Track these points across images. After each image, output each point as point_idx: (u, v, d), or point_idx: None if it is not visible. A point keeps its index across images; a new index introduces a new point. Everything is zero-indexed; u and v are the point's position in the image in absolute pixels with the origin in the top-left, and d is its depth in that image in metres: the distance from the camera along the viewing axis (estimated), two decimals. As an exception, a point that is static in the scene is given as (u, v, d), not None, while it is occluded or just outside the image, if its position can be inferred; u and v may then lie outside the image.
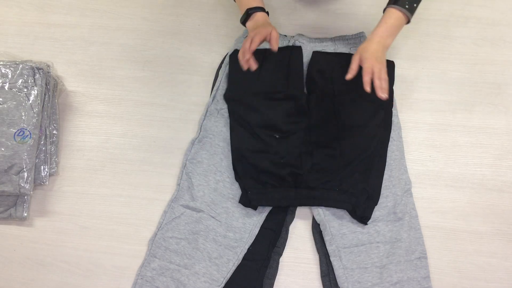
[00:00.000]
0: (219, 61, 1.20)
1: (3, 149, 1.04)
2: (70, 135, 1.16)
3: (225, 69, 1.15)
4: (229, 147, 1.08)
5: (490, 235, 1.07)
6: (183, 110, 1.17)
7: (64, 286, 1.04)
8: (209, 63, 1.21)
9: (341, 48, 1.17)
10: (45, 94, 1.10)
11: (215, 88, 1.14)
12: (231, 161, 1.07)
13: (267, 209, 1.05)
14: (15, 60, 1.12)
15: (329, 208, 1.04)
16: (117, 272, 1.05)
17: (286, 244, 1.06)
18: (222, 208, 1.05)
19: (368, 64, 0.92)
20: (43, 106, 1.10)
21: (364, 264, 1.00)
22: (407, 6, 0.95)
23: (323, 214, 1.04)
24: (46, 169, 1.09)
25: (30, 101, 1.07)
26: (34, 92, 1.08)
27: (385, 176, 1.06)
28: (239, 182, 1.05)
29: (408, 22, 0.98)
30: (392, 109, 1.11)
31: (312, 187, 1.02)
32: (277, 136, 1.05)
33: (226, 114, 1.11)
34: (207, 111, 1.12)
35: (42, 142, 1.09)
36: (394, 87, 1.14)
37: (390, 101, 1.10)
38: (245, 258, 1.02)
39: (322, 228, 1.04)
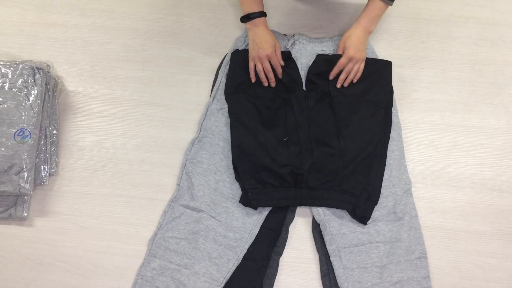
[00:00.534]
0: (219, 61, 1.20)
1: (3, 149, 1.04)
2: (70, 135, 1.16)
3: (225, 69, 1.15)
4: (229, 147, 1.08)
5: (490, 235, 1.07)
6: (183, 110, 1.17)
7: (64, 286, 1.04)
8: (209, 63, 1.21)
9: None
10: (45, 94, 1.10)
11: (215, 88, 1.14)
12: (231, 161, 1.07)
13: (267, 209, 1.04)
14: (15, 60, 1.12)
15: (329, 208, 1.04)
16: (117, 272, 1.05)
17: (286, 244, 1.06)
18: (222, 208, 1.05)
19: (346, 55, 1.07)
20: (43, 106, 1.10)
21: (364, 264, 1.00)
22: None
23: (323, 214, 1.04)
24: (46, 169, 1.09)
25: (30, 101, 1.07)
26: (34, 92, 1.08)
27: (385, 176, 1.06)
28: (239, 182, 1.05)
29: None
30: (392, 109, 1.12)
31: (312, 187, 1.02)
32: (284, 139, 1.05)
33: (226, 114, 1.11)
34: (207, 111, 1.12)
35: (42, 142, 1.09)
36: (394, 87, 1.14)
37: (389, 100, 1.10)
38: (245, 258, 1.02)
39: (322, 228, 1.04)
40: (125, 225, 1.08)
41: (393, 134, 1.10)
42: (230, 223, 1.03)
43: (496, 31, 1.24)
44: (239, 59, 1.13)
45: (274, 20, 1.24)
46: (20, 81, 1.08)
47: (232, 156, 1.07)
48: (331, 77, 1.09)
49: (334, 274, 1.01)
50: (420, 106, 1.17)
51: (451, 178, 1.11)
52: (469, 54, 1.22)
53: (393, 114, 1.11)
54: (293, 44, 1.16)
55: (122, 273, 1.05)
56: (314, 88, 1.10)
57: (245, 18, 1.07)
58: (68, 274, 1.05)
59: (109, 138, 1.15)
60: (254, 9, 1.06)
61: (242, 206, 1.04)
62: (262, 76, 1.09)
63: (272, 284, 1.03)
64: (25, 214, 1.07)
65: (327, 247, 1.02)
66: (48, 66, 1.12)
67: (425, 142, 1.14)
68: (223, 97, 1.13)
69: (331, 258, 1.01)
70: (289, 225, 1.07)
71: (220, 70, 1.17)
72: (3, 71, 1.09)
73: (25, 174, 1.04)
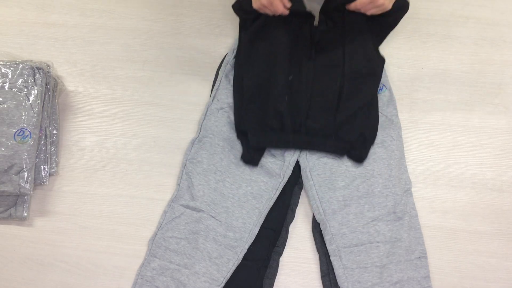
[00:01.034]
0: (219, 61, 1.20)
1: (3, 149, 1.04)
2: (70, 135, 1.16)
3: (225, 68, 1.15)
4: (229, 147, 1.08)
5: (490, 234, 1.07)
6: (183, 110, 1.17)
7: (64, 286, 1.04)
8: (209, 63, 1.21)
9: None
10: (45, 94, 1.10)
11: (215, 88, 1.14)
12: (231, 161, 1.07)
13: (267, 209, 1.04)
14: (15, 60, 1.12)
15: (330, 207, 1.04)
16: (117, 272, 1.05)
17: (286, 243, 1.06)
18: (222, 207, 1.05)
19: None
20: (43, 106, 1.10)
21: (364, 264, 1.00)
22: None
23: (323, 213, 1.04)
24: (46, 169, 1.09)
25: (30, 101, 1.07)
26: (34, 92, 1.08)
27: (385, 176, 1.06)
28: (241, 139, 1.07)
29: None
30: (392, 109, 1.12)
31: (310, 133, 1.04)
32: (289, 78, 1.05)
33: (226, 114, 1.11)
34: (207, 111, 1.12)
35: (42, 142, 1.09)
36: (394, 87, 1.14)
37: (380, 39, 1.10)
38: (245, 257, 1.02)
39: (322, 227, 1.04)
40: (125, 225, 1.08)
41: (393, 134, 1.10)
42: (230, 223, 1.04)
43: (496, 31, 1.24)
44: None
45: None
46: (20, 81, 1.08)
47: (238, 99, 1.08)
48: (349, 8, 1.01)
49: (334, 274, 1.01)
50: (420, 106, 1.17)
51: (451, 178, 1.11)
52: (469, 54, 1.22)
53: (393, 114, 1.11)
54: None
55: (122, 273, 1.05)
56: (325, 23, 1.07)
57: None
58: (68, 274, 1.05)
59: (109, 138, 1.15)
60: None
61: (242, 206, 1.04)
62: (270, 9, 0.99)
63: (272, 284, 1.03)
64: (25, 214, 1.07)
65: (327, 247, 1.02)
66: (48, 66, 1.12)
67: (425, 142, 1.14)
68: (223, 97, 1.13)
69: (331, 258, 1.01)
70: (289, 225, 1.07)
71: (220, 70, 1.17)
72: (3, 71, 1.09)
73: (25, 174, 1.04)
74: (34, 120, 1.06)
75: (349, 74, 1.04)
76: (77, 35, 1.25)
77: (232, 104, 1.11)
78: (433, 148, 1.14)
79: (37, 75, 1.09)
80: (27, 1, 1.29)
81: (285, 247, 1.06)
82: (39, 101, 1.08)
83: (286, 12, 1.00)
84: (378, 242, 1.02)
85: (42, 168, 1.09)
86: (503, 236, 1.07)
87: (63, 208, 1.10)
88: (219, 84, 1.14)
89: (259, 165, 1.07)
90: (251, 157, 1.06)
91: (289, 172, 1.06)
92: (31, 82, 1.08)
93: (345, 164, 1.07)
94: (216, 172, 1.07)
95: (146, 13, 1.27)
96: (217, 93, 1.14)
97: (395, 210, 1.04)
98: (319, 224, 1.05)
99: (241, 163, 1.07)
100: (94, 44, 1.24)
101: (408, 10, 1.06)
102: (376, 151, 1.08)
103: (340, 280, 1.00)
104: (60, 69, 1.21)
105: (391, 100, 1.13)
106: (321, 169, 1.07)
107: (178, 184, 1.08)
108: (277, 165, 1.07)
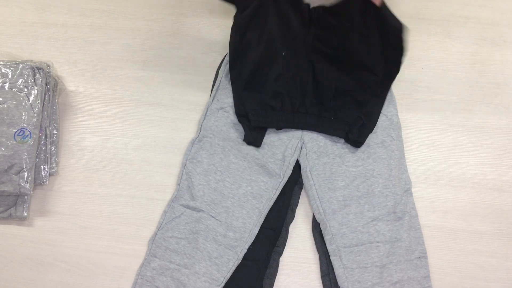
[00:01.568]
0: (219, 61, 1.20)
1: (3, 149, 1.04)
2: (70, 135, 1.16)
3: (225, 68, 1.15)
4: (229, 147, 1.08)
5: (490, 234, 1.07)
6: (183, 110, 1.17)
7: (64, 286, 1.04)
8: (209, 63, 1.21)
9: None
10: (45, 94, 1.10)
11: (215, 88, 1.14)
12: (231, 161, 1.07)
13: (267, 209, 1.04)
14: (15, 60, 1.13)
15: (330, 207, 1.04)
16: (117, 272, 1.05)
17: (286, 243, 1.06)
18: (222, 207, 1.05)
19: None
20: (43, 106, 1.10)
21: (364, 264, 1.00)
22: None
23: (323, 213, 1.04)
24: (46, 169, 1.09)
25: (30, 101, 1.07)
26: (34, 92, 1.08)
27: (385, 176, 1.06)
28: (242, 122, 1.08)
29: None
30: (392, 109, 1.12)
31: (309, 113, 1.06)
32: (283, 53, 1.06)
33: (226, 114, 1.11)
34: (207, 110, 1.12)
35: (42, 142, 1.09)
36: (394, 87, 1.14)
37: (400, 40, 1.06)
38: (245, 257, 1.02)
39: (322, 227, 1.04)
40: (125, 225, 1.08)
41: (393, 134, 1.10)
42: (230, 222, 1.04)
43: (496, 31, 1.24)
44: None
45: None
46: (20, 81, 1.08)
47: (236, 83, 1.08)
48: None
49: (334, 274, 1.01)
50: (420, 106, 1.17)
51: (451, 178, 1.11)
52: (469, 54, 1.22)
53: (393, 114, 1.11)
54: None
55: (122, 273, 1.05)
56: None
57: None
58: (68, 274, 1.05)
59: (109, 138, 1.15)
60: None
61: (242, 206, 1.04)
62: None
63: (272, 284, 1.03)
64: (25, 214, 1.07)
65: (327, 247, 1.02)
66: (48, 66, 1.12)
67: (425, 142, 1.14)
68: (223, 97, 1.13)
69: (331, 258, 1.01)
70: (289, 224, 1.07)
71: (220, 70, 1.17)
72: (3, 71, 1.09)
73: (25, 174, 1.04)
74: (34, 120, 1.07)
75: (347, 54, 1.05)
76: (77, 35, 1.25)
77: (232, 104, 1.11)
78: (433, 148, 1.14)
79: (37, 75, 1.10)
80: (27, 1, 1.29)
81: (285, 247, 1.06)
82: (39, 101, 1.08)
83: None
84: (378, 242, 1.02)
85: (42, 168, 1.09)
86: (503, 236, 1.07)
87: (63, 208, 1.10)
88: (219, 84, 1.14)
89: (259, 165, 1.07)
90: (253, 138, 1.06)
91: (289, 171, 1.06)
92: (31, 82, 1.08)
93: (345, 164, 1.07)
94: (216, 172, 1.07)
95: (146, 13, 1.27)
96: (217, 93, 1.14)
97: (395, 210, 1.03)
98: (319, 224, 1.05)
99: (241, 163, 1.07)
100: (94, 44, 1.24)
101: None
102: (376, 151, 1.08)
103: (340, 280, 1.00)
104: (60, 69, 1.21)
105: (391, 100, 1.13)
106: (321, 169, 1.07)
107: (178, 184, 1.08)
108: (277, 164, 1.07)
